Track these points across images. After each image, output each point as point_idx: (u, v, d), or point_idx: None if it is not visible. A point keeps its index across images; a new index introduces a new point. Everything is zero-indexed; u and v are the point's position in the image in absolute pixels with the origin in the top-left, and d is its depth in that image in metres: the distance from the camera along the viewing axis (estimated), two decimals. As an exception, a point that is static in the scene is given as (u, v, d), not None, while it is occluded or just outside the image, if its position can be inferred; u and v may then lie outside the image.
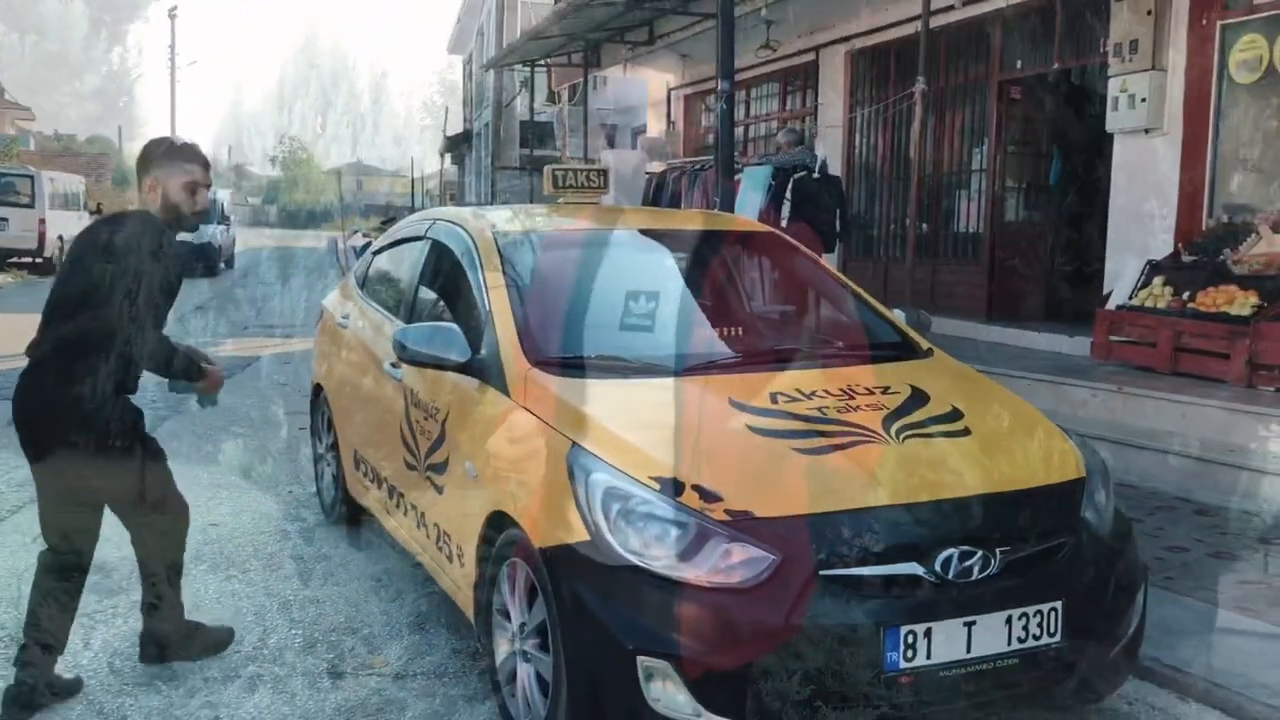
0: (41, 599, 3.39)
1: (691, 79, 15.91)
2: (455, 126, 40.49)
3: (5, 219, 20.95)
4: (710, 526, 2.78)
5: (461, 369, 3.66)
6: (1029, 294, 10.07)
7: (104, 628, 4.03)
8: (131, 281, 3.23)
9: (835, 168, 11.03)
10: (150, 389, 3.88)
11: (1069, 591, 2.96)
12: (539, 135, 21.58)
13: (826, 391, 3.38)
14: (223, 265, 24.69)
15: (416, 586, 4.50)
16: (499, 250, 4.03)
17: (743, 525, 2.78)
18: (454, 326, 3.75)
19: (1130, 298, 7.45)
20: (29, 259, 21.37)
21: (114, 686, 3.57)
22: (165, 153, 3.52)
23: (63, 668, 3.51)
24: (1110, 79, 8.11)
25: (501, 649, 3.33)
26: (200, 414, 7.00)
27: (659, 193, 12.97)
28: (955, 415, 3.36)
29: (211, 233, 22.64)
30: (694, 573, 2.75)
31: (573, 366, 3.50)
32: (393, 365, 4.31)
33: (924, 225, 10.13)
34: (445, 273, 4.37)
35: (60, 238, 21.53)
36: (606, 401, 3.30)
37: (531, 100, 20.01)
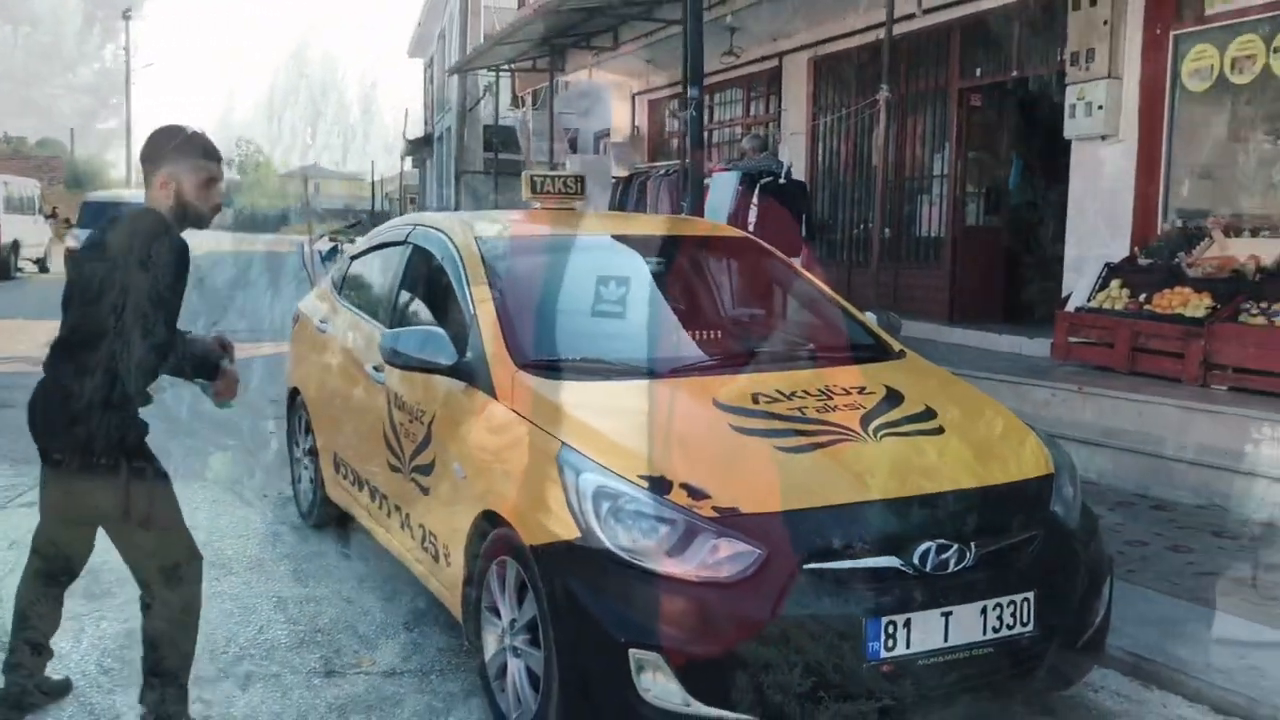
0: (28, 603, 3.37)
1: (656, 84, 16.03)
2: (416, 130, 40.36)
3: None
4: (698, 523, 2.88)
5: (448, 372, 3.73)
6: (990, 296, 10.28)
7: (92, 628, 4.06)
8: (133, 290, 3.02)
9: (799, 173, 11.19)
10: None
11: (1040, 583, 3.09)
12: (503, 139, 21.61)
13: (805, 392, 3.49)
14: None
15: (403, 587, 4.56)
16: (482, 255, 4.10)
17: (729, 521, 2.88)
18: (440, 330, 3.82)
19: (1089, 300, 7.64)
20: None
21: (105, 685, 3.61)
22: (178, 146, 3.18)
23: (51, 669, 3.53)
24: (1068, 87, 8.31)
25: (491, 646, 3.41)
26: (173, 416, 6.98)
27: (625, 197, 13.09)
28: (929, 414, 3.48)
29: None
30: (683, 567, 2.85)
31: (559, 369, 3.58)
32: (375, 369, 4.37)
33: (887, 230, 10.31)
34: (428, 277, 4.44)
35: (15, 243, 21.24)
36: (594, 403, 3.39)
37: (496, 104, 20.05)
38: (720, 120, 14.82)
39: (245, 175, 70.77)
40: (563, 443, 3.16)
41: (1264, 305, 6.36)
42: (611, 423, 3.27)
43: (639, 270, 4.39)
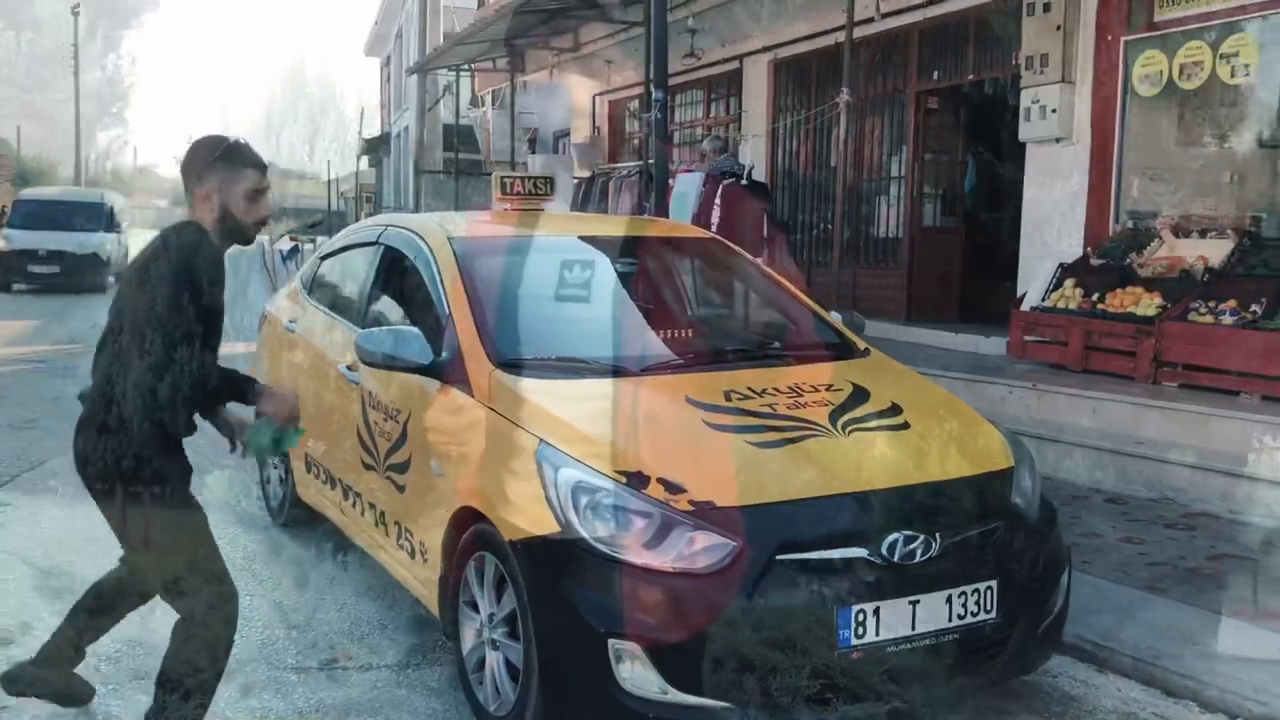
0: (99, 606, 3.27)
1: (617, 85, 16.10)
2: (372, 129, 40.18)
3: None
4: (675, 516, 2.97)
5: (424, 371, 3.78)
6: (947, 296, 10.47)
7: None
8: (171, 313, 2.78)
9: (760, 174, 11.32)
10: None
11: (1002, 572, 3.21)
12: (463, 139, 21.58)
13: (775, 389, 3.59)
14: (112, 279, 19.75)
15: (377, 584, 4.60)
16: (456, 255, 4.15)
17: (705, 514, 2.97)
18: (416, 330, 3.86)
19: (1043, 299, 7.82)
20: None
21: (101, 690, 3.59)
22: (222, 155, 3.00)
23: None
24: (1022, 90, 8.50)
25: (469, 639, 3.48)
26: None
27: (586, 198, 13.15)
28: (895, 410, 3.60)
29: (97, 242, 19.93)
30: (660, 559, 2.93)
31: (534, 367, 3.65)
32: (348, 368, 4.41)
33: (845, 230, 10.47)
34: (401, 277, 4.48)
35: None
36: (570, 400, 3.47)
37: (457, 104, 20.02)
38: (682, 121, 14.93)
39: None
40: (540, 439, 3.23)
41: (1212, 304, 6.56)
42: (588, 419, 3.35)
43: (611, 271, 4.47)
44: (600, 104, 16.98)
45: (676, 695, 2.89)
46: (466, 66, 17.71)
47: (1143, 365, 6.80)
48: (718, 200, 8.82)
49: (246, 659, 3.87)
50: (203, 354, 2.84)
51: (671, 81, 13.39)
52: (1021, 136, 8.62)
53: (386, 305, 4.60)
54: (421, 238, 4.39)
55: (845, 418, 3.46)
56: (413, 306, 4.29)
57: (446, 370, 3.73)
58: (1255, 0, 7.00)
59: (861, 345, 4.32)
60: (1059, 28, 8.12)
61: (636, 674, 2.90)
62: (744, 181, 8.96)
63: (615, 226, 5.49)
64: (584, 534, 2.99)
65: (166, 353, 2.77)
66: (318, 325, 5.08)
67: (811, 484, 3.13)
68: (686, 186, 9.01)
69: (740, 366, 3.91)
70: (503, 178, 4.95)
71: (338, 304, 5.05)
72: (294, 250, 18.48)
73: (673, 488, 3.02)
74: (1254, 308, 6.34)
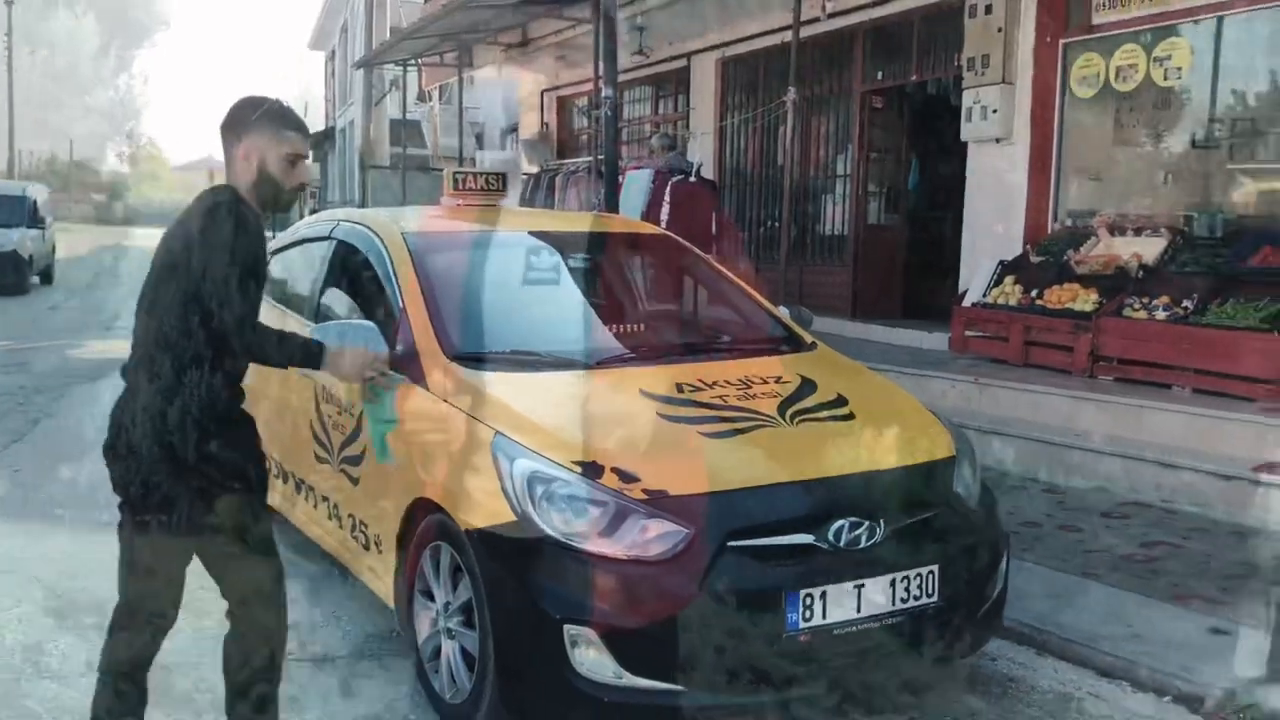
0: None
1: (565, 81, 16.12)
2: (316, 123, 39.71)
3: None
4: (629, 505, 3.04)
5: (378, 364, 3.80)
6: (890, 292, 10.65)
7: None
8: (200, 277, 2.69)
9: (708, 172, 11.41)
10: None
11: (943, 557, 3.32)
12: (410, 134, 21.45)
13: (726, 381, 3.68)
14: (35, 279, 19.02)
15: (330, 577, 4.61)
16: (409, 250, 4.18)
17: (658, 503, 3.05)
18: (371, 324, 3.87)
19: (984, 295, 8.00)
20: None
21: None
22: (264, 115, 2.88)
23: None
24: (964, 91, 8.69)
25: (424, 629, 3.52)
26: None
27: (534, 194, 13.16)
28: (841, 402, 3.70)
29: (17, 239, 17.70)
30: (614, 547, 3.00)
31: (488, 361, 3.70)
32: (301, 362, 4.41)
33: (793, 228, 10.60)
34: (354, 272, 4.50)
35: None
36: (525, 393, 3.52)
37: (404, 98, 19.89)
38: (630, 118, 14.98)
39: (136, 168, 68.68)
40: (495, 431, 3.28)
41: (1146, 300, 6.77)
42: (542, 411, 3.41)
43: (563, 266, 4.52)
44: (549, 100, 16.99)
45: (631, 679, 2.96)
46: (413, 61, 17.60)
47: (1080, 359, 6.99)
48: (667, 197, 8.89)
49: (203, 653, 3.87)
50: (234, 320, 2.74)
51: (620, 79, 13.44)
52: (963, 136, 8.81)
53: (339, 300, 4.61)
54: (375, 233, 4.41)
55: (793, 409, 3.55)
56: (366, 301, 4.31)
57: (402, 364, 3.76)
58: (1186, 5, 7.23)
59: (809, 339, 4.42)
60: (1000, 29, 8.31)
61: (591, 659, 2.96)
62: (693, 179, 9.04)
63: (568, 222, 5.55)
64: (539, 523, 3.04)
65: (223, 316, 2.71)
66: (270, 320, 5.05)
67: (761, 473, 3.21)
68: (636, 183, 9.07)
69: (692, 360, 3.99)
70: (455, 173, 4.98)
71: (290, 299, 5.04)
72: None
73: (627, 477, 3.09)
74: (1185, 304, 6.55)
